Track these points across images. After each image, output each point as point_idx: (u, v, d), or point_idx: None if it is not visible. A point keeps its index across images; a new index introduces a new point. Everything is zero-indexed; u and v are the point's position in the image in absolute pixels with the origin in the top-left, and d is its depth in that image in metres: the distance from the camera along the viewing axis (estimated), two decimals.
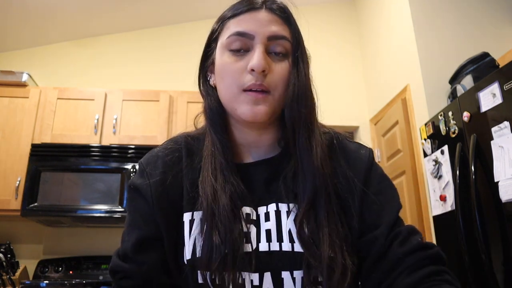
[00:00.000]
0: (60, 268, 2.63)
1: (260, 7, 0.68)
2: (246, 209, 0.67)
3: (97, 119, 2.68)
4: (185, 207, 0.68)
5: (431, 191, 2.15)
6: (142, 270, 0.67)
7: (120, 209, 2.48)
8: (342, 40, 3.59)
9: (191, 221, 0.67)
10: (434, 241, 2.21)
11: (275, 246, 0.64)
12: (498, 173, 1.60)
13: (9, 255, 2.42)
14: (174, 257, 0.67)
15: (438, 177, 2.06)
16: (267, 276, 0.63)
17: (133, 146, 2.62)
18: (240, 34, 0.66)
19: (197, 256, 0.64)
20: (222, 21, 0.71)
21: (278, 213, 0.67)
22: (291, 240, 0.64)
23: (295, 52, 0.68)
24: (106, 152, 2.58)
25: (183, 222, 0.67)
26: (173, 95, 2.81)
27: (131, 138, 2.68)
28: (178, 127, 2.70)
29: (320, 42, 3.46)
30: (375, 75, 3.28)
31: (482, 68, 2.10)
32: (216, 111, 0.71)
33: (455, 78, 2.27)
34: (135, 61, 3.32)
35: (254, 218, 0.67)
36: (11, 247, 2.51)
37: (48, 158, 2.54)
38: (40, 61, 3.23)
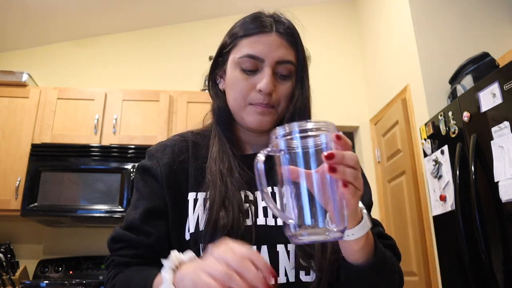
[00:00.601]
0: (60, 268, 2.63)
1: (271, 30, 0.76)
2: (247, 192, 0.75)
3: (97, 119, 2.69)
4: (190, 188, 0.75)
5: (431, 191, 2.15)
6: (149, 241, 0.71)
7: (120, 209, 2.48)
8: (342, 40, 3.59)
9: (195, 200, 0.74)
10: (434, 241, 2.21)
11: (271, 221, 0.72)
12: (498, 173, 1.60)
13: (9, 255, 2.42)
14: (177, 234, 0.73)
15: (438, 177, 2.06)
16: (264, 249, 0.70)
17: (133, 146, 2.62)
18: (251, 57, 0.74)
19: (200, 230, 0.70)
20: (234, 38, 0.78)
21: (273, 194, 0.74)
22: None
23: (300, 72, 0.77)
24: (106, 152, 2.58)
25: (188, 200, 0.74)
26: (173, 95, 2.81)
27: (131, 138, 2.68)
28: (178, 127, 2.69)
29: (320, 42, 3.46)
30: (375, 75, 3.28)
31: (482, 68, 2.10)
32: (224, 112, 0.80)
33: (455, 78, 2.27)
34: (135, 61, 3.32)
35: (252, 199, 0.75)
36: (11, 247, 2.52)
37: (48, 158, 2.54)
38: (40, 61, 3.23)
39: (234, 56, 0.77)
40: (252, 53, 0.74)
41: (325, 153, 0.49)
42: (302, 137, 0.51)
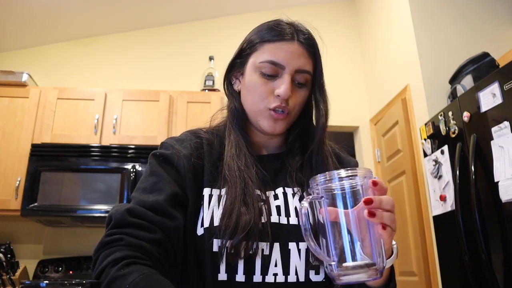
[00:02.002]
0: (60, 268, 2.63)
1: (292, 38, 0.78)
2: (261, 190, 0.79)
3: (97, 119, 2.69)
4: (205, 183, 0.77)
5: (431, 191, 2.15)
6: (172, 224, 0.69)
7: None
8: (342, 40, 3.59)
9: (210, 196, 0.75)
10: (434, 241, 2.21)
11: (283, 220, 0.74)
12: (498, 173, 1.60)
13: (9, 255, 2.42)
14: (192, 228, 0.73)
15: (438, 177, 2.06)
16: (276, 246, 0.72)
17: (133, 146, 2.62)
18: (273, 63, 0.77)
19: (215, 225, 0.71)
20: (256, 43, 0.80)
21: (285, 194, 0.78)
22: (297, 216, 0.75)
23: (318, 80, 0.81)
24: (106, 152, 2.58)
25: (203, 195, 0.76)
26: (173, 95, 2.81)
27: (131, 138, 2.68)
28: (178, 127, 2.70)
29: (320, 42, 3.46)
30: (375, 75, 3.28)
31: (482, 68, 2.10)
32: (240, 112, 0.83)
33: (455, 78, 2.27)
34: (135, 61, 3.32)
35: (264, 198, 0.77)
36: (11, 247, 2.51)
37: (48, 158, 2.54)
38: (40, 61, 3.23)
39: (255, 60, 0.79)
40: (274, 60, 0.77)
41: (364, 199, 0.54)
42: (340, 183, 0.57)
